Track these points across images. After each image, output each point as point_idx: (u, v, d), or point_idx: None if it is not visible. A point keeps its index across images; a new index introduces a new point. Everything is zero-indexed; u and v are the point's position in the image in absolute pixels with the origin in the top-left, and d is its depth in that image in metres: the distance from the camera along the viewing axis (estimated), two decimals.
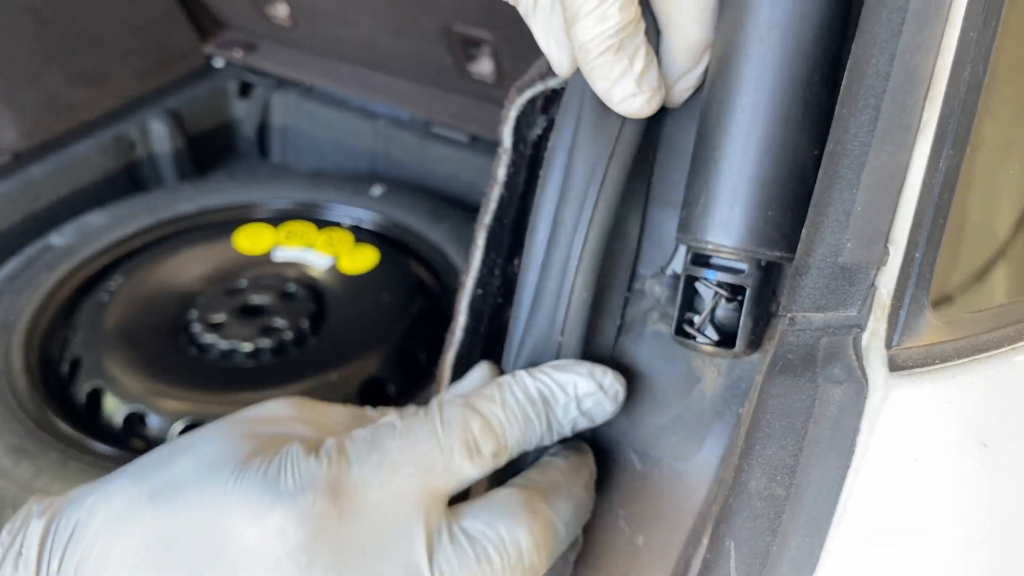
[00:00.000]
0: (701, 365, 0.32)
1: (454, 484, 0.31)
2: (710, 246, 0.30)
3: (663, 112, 0.32)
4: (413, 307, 0.85)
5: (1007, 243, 0.26)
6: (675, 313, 0.31)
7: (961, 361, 0.24)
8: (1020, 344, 0.25)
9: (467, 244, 0.92)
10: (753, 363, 0.31)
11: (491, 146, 0.99)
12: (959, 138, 0.25)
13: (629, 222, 0.34)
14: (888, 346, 0.25)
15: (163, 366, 0.78)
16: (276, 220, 0.95)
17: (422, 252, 0.93)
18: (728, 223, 0.29)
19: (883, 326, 0.25)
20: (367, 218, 0.97)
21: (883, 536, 0.24)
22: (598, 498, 0.32)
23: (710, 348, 0.30)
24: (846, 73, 0.27)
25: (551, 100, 0.37)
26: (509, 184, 0.40)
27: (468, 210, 0.98)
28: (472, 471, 0.31)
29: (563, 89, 0.34)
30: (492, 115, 1.01)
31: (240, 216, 0.95)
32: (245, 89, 1.09)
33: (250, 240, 0.92)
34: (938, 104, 0.25)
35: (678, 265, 0.34)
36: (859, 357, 0.25)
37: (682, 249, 0.33)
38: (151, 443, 0.74)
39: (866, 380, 0.24)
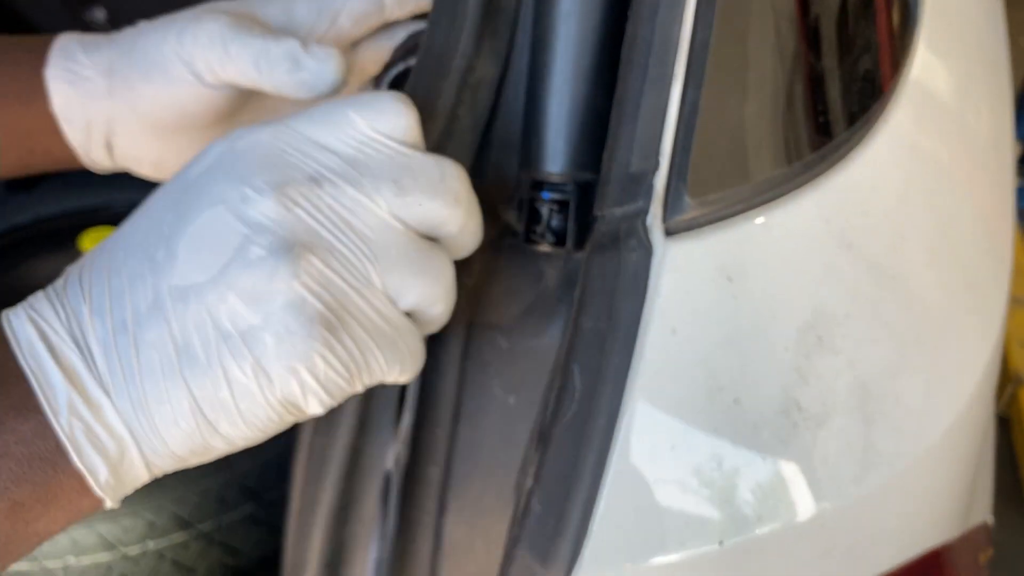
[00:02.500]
0: (544, 265, 0.42)
1: None
2: (544, 175, 0.41)
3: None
4: None
5: (736, 149, 0.38)
6: (522, 227, 0.42)
7: (712, 226, 0.37)
8: (754, 211, 0.38)
9: None
10: (580, 260, 0.42)
11: None
12: (696, 82, 0.37)
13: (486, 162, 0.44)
14: (664, 222, 0.37)
15: None
16: (120, 221, 0.97)
17: None
18: (555, 157, 0.41)
19: (659, 210, 0.37)
20: None
21: (671, 340, 0.36)
22: (478, 375, 0.42)
23: (549, 248, 0.42)
24: (624, 43, 0.38)
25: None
26: None
27: None
28: None
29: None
30: None
31: (82, 222, 0.97)
32: None
33: (96, 243, 0.94)
34: (683, 60, 0.37)
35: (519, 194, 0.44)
36: (646, 232, 0.37)
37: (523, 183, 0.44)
38: None
39: (651, 246, 0.37)
